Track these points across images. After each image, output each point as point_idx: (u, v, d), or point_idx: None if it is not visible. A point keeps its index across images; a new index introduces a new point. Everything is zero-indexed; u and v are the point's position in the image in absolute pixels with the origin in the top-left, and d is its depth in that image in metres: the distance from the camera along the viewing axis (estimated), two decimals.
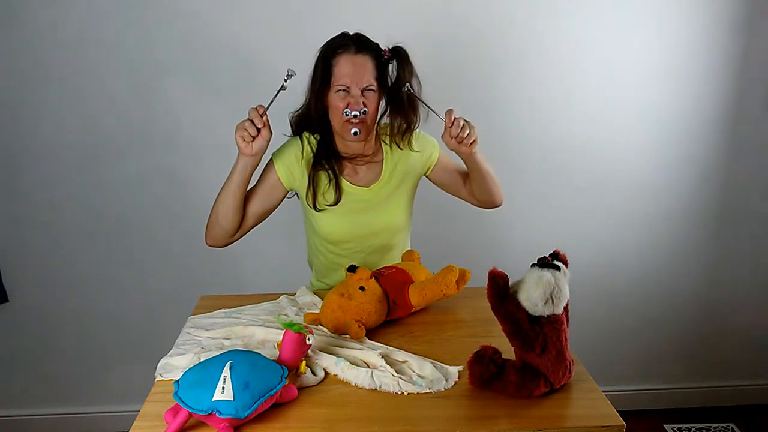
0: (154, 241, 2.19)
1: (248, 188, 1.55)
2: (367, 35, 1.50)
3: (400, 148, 1.59)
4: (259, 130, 1.39)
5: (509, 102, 2.14)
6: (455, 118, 1.40)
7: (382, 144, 1.61)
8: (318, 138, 1.56)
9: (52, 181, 2.11)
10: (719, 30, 2.10)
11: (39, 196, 2.12)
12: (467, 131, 1.41)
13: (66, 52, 1.99)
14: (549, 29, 2.08)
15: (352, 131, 1.47)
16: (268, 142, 1.42)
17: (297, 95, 1.53)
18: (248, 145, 1.39)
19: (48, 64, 2.00)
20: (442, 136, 1.43)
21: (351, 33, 1.50)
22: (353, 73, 1.44)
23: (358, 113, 1.44)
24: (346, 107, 1.45)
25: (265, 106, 1.40)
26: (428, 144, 1.64)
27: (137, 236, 2.18)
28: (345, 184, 1.56)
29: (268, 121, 1.40)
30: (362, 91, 1.45)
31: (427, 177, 1.67)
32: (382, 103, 1.55)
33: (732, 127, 2.20)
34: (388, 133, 1.60)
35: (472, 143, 1.43)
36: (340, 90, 1.45)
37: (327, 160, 1.54)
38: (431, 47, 2.04)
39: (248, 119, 1.38)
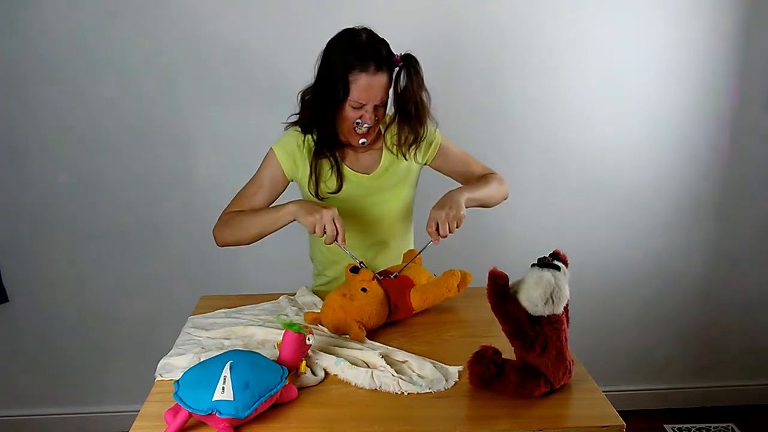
0: (154, 241, 2.19)
1: (248, 183, 1.57)
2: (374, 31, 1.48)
3: (406, 159, 1.59)
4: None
5: (509, 102, 2.14)
6: (437, 229, 1.40)
7: (382, 132, 1.61)
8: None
9: (53, 181, 2.11)
10: (719, 30, 2.10)
11: (39, 196, 2.12)
12: (453, 226, 1.41)
13: (67, 51, 1.99)
14: (550, 29, 2.08)
15: (360, 141, 1.50)
16: None
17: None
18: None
19: (49, 63, 2.00)
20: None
21: (362, 34, 1.44)
22: (370, 93, 1.43)
23: (369, 125, 1.47)
24: (359, 118, 1.46)
25: (343, 248, 1.40)
26: (428, 133, 1.63)
27: (137, 236, 2.18)
28: (347, 170, 1.56)
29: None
30: (375, 109, 1.46)
31: (428, 165, 1.67)
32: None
33: (732, 127, 2.20)
34: (390, 127, 1.61)
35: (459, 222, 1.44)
36: (356, 107, 1.45)
37: (329, 147, 1.54)
38: (431, 47, 2.04)
39: (330, 228, 1.36)
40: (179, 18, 1.99)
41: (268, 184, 1.55)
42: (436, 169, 1.68)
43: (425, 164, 1.66)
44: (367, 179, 1.58)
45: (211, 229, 1.57)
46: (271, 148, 1.57)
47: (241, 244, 1.53)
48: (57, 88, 2.02)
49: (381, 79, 1.43)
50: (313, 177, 1.54)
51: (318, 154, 1.54)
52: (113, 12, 1.97)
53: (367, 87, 1.42)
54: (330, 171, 1.54)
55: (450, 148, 1.66)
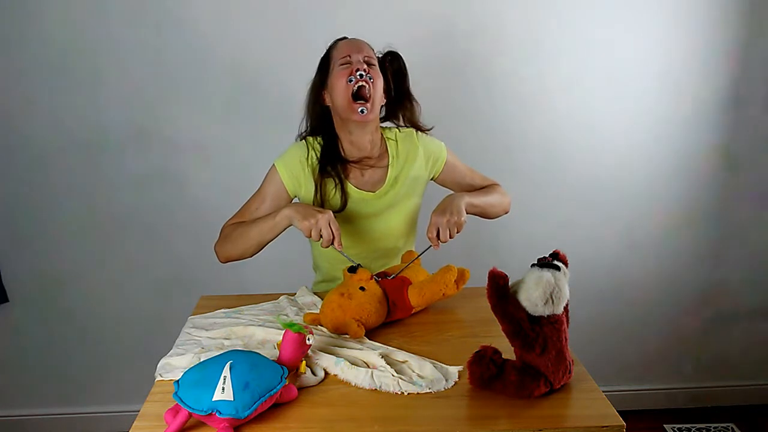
0: (154, 241, 2.19)
1: (251, 198, 1.57)
2: (365, 38, 1.53)
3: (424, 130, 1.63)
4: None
5: (510, 102, 2.14)
6: (438, 235, 1.40)
7: (388, 149, 1.60)
8: (321, 143, 1.56)
9: (53, 181, 2.11)
10: (719, 30, 2.10)
11: (39, 195, 2.12)
12: (454, 232, 1.42)
13: (67, 51, 1.99)
14: (548, 30, 2.08)
15: (359, 110, 1.45)
16: None
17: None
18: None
19: (48, 63, 2.00)
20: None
21: None
22: (352, 45, 1.49)
23: (363, 73, 1.44)
24: (350, 75, 1.44)
25: (340, 251, 1.39)
26: (434, 148, 1.64)
27: (137, 236, 2.18)
28: (351, 188, 1.55)
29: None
30: (365, 63, 1.46)
31: (433, 180, 1.67)
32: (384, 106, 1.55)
33: (732, 128, 2.20)
34: (393, 138, 1.60)
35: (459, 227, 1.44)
36: (342, 64, 1.47)
37: (332, 165, 1.53)
38: (429, 48, 2.04)
39: (326, 232, 1.35)
40: (181, 22, 1.99)
41: (270, 199, 1.54)
42: (440, 184, 1.68)
43: (431, 179, 1.66)
44: (372, 197, 1.56)
45: (211, 229, 1.56)
46: (274, 164, 1.56)
47: (244, 257, 1.50)
48: (57, 88, 2.02)
49: (359, 40, 1.50)
50: (318, 196, 1.52)
51: (322, 172, 1.53)
52: (115, 14, 1.97)
53: (347, 44, 1.50)
54: (334, 190, 1.53)
55: (456, 164, 1.66)
